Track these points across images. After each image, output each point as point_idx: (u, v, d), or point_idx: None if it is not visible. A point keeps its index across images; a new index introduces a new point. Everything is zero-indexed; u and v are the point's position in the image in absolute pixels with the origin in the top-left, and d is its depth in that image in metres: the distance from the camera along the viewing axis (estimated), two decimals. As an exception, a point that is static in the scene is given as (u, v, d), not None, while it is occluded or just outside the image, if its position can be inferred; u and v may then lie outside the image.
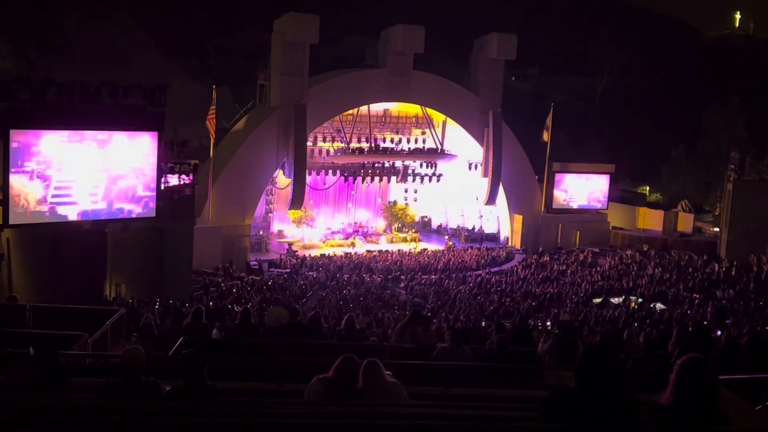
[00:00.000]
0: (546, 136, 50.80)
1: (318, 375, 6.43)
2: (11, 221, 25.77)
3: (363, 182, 51.38)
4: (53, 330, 13.69)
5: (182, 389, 6.39)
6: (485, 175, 50.54)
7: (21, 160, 25.61)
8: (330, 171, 48.76)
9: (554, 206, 52.39)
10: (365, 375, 6.43)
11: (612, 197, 55.55)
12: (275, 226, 49.97)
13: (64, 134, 26.48)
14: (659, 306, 32.67)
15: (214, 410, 5.52)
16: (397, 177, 52.39)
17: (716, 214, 58.66)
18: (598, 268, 42.67)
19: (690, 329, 13.71)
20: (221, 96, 48.16)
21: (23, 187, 25.82)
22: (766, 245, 45.13)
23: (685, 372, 4.69)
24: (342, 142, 49.46)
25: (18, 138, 25.38)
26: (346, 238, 49.98)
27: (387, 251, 46.62)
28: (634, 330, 19.17)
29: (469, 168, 52.12)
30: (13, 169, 25.33)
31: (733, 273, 39.38)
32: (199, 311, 13.77)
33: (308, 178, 46.23)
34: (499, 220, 53.71)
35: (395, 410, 5.65)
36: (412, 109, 51.02)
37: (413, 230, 53.48)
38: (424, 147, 52.03)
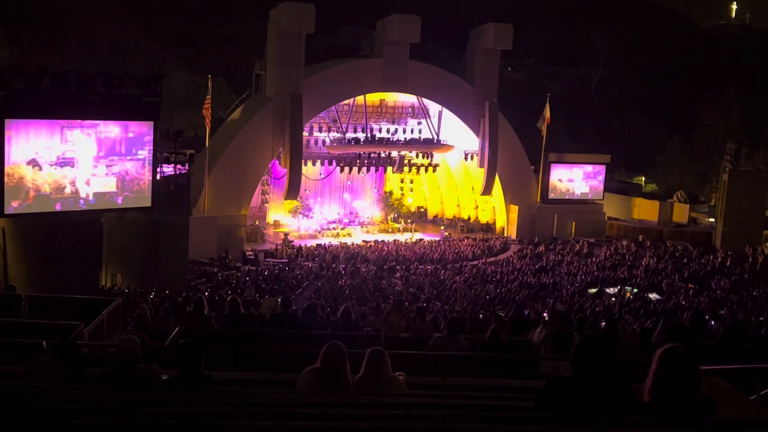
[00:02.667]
0: (543, 128, 50.79)
1: (307, 367, 6.43)
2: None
3: (359, 172, 51.34)
4: (49, 320, 13.67)
5: (179, 379, 6.40)
6: (481, 165, 50.56)
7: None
8: (326, 161, 48.76)
9: (551, 196, 52.45)
10: (368, 364, 6.41)
11: (608, 188, 55.59)
12: (271, 217, 49.97)
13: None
14: (654, 296, 32.75)
15: (211, 399, 5.53)
16: (393, 167, 52.40)
17: (711, 204, 58.72)
18: (594, 259, 42.74)
19: (681, 320, 13.76)
20: (217, 86, 48.13)
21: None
22: (761, 236, 45.25)
23: (665, 361, 4.69)
24: (338, 132, 49.44)
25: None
26: (342, 229, 50.00)
27: (383, 241, 46.66)
28: (628, 320, 19.23)
29: (466, 158, 52.15)
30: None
31: (728, 264, 39.46)
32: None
33: (304, 169, 46.21)
34: (495, 211, 53.77)
35: (390, 400, 5.66)
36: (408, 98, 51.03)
37: (409, 220, 53.51)
38: (420, 137, 52.01)
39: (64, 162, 26.68)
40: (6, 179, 25.12)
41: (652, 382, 4.69)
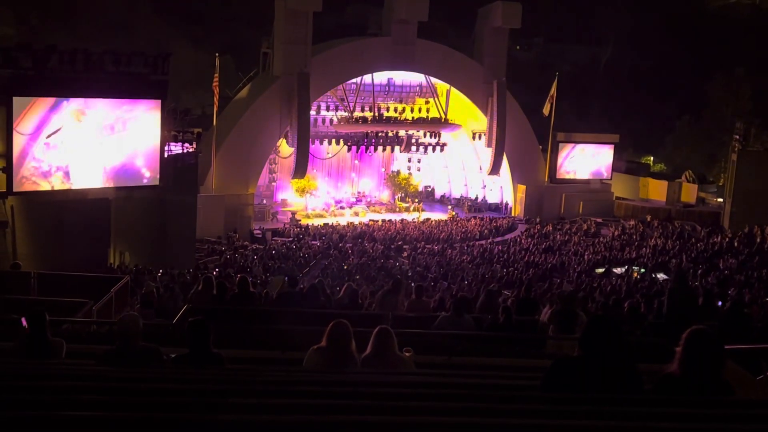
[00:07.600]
0: (547, 109, 50.58)
1: (313, 346, 6.45)
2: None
3: (366, 152, 51.27)
4: (58, 297, 13.75)
5: (188, 357, 6.44)
6: (489, 144, 50.43)
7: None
8: (333, 140, 48.69)
9: (558, 176, 52.32)
10: (375, 342, 6.43)
11: (616, 167, 55.43)
12: (279, 196, 49.99)
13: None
14: (661, 276, 32.70)
15: (219, 377, 5.56)
16: (401, 146, 52.30)
17: (720, 184, 58.49)
18: (601, 239, 42.67)
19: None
20: (224, 64, 47.94)
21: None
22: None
23: (692, 343, 4.70)
24: (345, 112, 49.32)
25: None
26: (350, 208, 50.01)
27: (390, 221, 46.65)
28: (636, 300, 19.17)
29: (473, 138, 52.02)
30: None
31: (735, 244, 39.34)
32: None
33: (311, 148, 46.15)
34: (503, 190, 53.68)
35: (397, 378, 5.68)
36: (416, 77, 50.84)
37: (416, 200, 53.47)
38: (427, 116, 51.86)
39: (72, 140, 26.83)
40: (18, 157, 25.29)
41: (680, 363, 4.70)
